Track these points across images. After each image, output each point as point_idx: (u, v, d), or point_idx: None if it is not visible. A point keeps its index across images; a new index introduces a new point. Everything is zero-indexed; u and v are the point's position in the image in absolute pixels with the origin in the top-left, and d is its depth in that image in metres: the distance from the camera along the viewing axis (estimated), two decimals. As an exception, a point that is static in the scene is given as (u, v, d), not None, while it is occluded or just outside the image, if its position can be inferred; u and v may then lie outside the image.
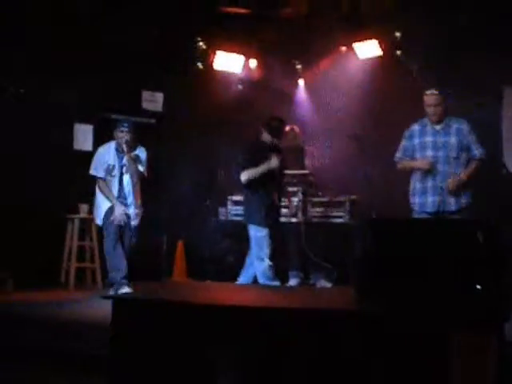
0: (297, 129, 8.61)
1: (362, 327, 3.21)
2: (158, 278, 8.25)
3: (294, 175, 7.88)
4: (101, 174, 6.84)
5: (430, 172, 5.81)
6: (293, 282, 6.80)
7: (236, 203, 8.59)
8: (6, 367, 4.50)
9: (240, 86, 9.88)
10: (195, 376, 3.56)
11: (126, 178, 6.85)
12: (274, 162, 6.47)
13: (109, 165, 6.85)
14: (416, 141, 5.97)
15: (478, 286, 3.37)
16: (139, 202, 6.96)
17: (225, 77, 9.77)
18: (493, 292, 3.37)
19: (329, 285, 7.43)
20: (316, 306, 3.79)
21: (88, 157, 8.34)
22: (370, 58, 9.11)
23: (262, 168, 6.46)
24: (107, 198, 6.78)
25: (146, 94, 9.14)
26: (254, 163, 6.52)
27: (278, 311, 3.54)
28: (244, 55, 9.72)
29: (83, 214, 8.07)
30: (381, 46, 8.92)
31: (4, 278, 7.11)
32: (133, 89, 8.90)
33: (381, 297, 3.50)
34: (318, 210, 8.28)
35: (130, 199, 6.86)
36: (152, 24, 8.54)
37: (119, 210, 6.69)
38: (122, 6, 8.24)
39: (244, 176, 6.49)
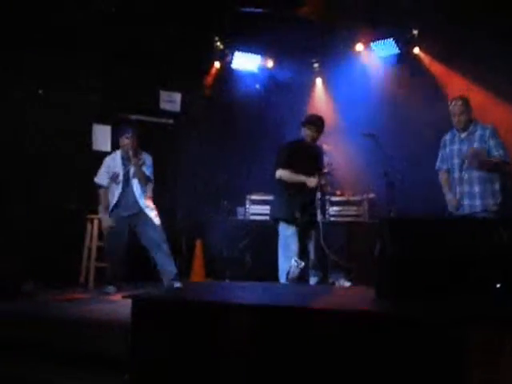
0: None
1: (380, 326, 3.20)
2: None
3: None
4: (104, 182, 7.19)
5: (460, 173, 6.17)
6: (312, 280, 6.78)
7: (254, 202, 8.61)
8: (26, 366, 4.54)
9: (257, 86, 9.89)
10: (214, 375, 3.57)
11: (135, 182, 7.11)
12: (312, 182, 6.41)
13: (114, 172, 7.15)
14: (447, 149, 6.34)
15: (498, 284, 3.36)
16: (151, 203, 7.21)
17: (242, 76, 9.78)
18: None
19: (348, 284, 7.42)
20: (335, 305, 3.79)
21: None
22: (388, 57, 9.10)
23: (298, 179, 6.41)
24: (101, 206, 7.24)
25: (163, 95, 9.16)
26: (290, 162, 6.47)
27: (297, 311, 3.54)
28: (261, 55, 9.73)
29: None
30: (398, 45, 8.90)
31: (24, 277, 7.15)
32: (150, 89, 8.93)
33: (399, 296, 3.49)
34: (336, 208, 8.28)
35: (142, 202, 7.11)
36: (170, 24, 8.56)
37: (107, 221, 7.17)
38: (139, 6, 8.28)
39: (278, 173, 6.46)
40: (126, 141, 7.09)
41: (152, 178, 7.24)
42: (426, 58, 8.88)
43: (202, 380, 3.59)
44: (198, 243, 8.68)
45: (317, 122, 6.66)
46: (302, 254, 6.43)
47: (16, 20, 7.44)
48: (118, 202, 7.15)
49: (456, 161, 6.20)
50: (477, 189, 6.04)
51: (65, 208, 7.90)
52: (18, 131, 7.56)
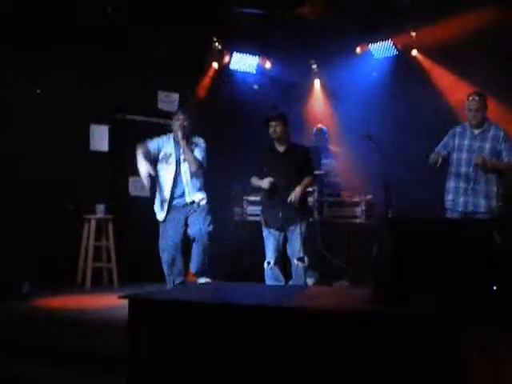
0: (322, 127, 8.69)
1: (378, 326, 3.21)
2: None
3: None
4: (145, 147, 6.46)
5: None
6: (309, 281, 6.79)
7: (251, 203, 8.59)
8: (25, 366, 4.54)
9: (255, 87, 9.89)
10: (210, 375, 3.57)
11: (185, 167, 6.49)
12: (263, 183, 6.37)
13: (165, 153, 6.52)
14: (456, 141, 6.20)
15: (495, 286, 3.36)
16: (201, 189, 6.56)
17: (240, 77, 9.78)
18: (510, 292, 3.35)
19: (345, 284, 7.42)
20: (332, 305, 3.79)
21: (104, 157, 8.43)
22: (386, 58, 9.11)
23: (256, 184, 6.51)
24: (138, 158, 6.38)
25: (161, 95, 9.16)
26: (258, 168, 6.56)
27: (295, 311, 3.54)
28: (259, 55, 9.73)
29: (99, 215, 8.11)
30: (396, 47, 8.91)
31: (21, 277, 7.14)
32: (148, 89, 8.92)
33: (396, 296, 3.49)
34: (334, 209, 8.27)
35: (189, 188, 6.46)
36: (167, 24, 8.56)
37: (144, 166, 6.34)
38: (137, 7, 8.28)
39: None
40: (176, 123, 6.47)
41: (204, 163, 6.57)
42: (424, 60, 8.89)
43: (198, 380, 3.59)
44: (195, 244, 8.66)
45: (275, 118, 6.46)
46: (278, 254, 6.49)
47: (14, 19, 7.44)
48: (172, 190, 6.45)
49: (464, 155, 6.11)
50: (483, 187, 6.03)
51: (62, 208, 7.89)
52: (14, 130, 7.55)
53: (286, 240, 6.50)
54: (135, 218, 8.51)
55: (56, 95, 7.95)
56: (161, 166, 6.52)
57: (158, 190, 6.57)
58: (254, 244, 8.03)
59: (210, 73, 9.70)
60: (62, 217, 7.85)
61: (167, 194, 6.46)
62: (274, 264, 6.42)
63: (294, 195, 6.29)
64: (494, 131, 6.09)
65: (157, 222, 6.59)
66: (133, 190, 8.86)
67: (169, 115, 9.11)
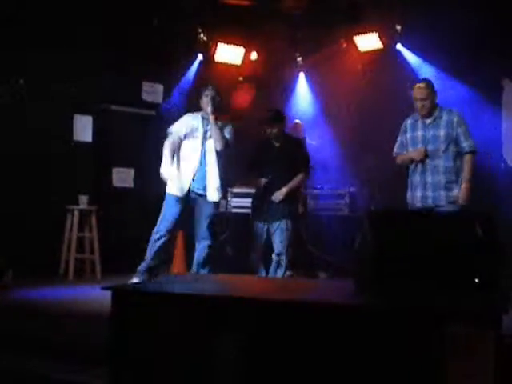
0: (300, 123, 8.71)
1: (360, 321, 3.22)
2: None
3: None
4: (181, 130, 6.31)
5: (422, 162, 5.73)
6: (288, 274, 6.82)
7: (236, 195, 8.60)
8: (7, 358, 4.52)
9: (240, 78, 9.88)
10: (196, 368, 3.56)
11: (210, 143, 6.25)
12: (259, 183, 6.67)
13: (192, 127, 6.29)
14: (408, 135, 5.92)
15: (477, 280, 3.38)
16: (219, 173, 6.32)
17: (225, 69, 9.76)
18: (491, 285, 3.37)
19: (328, 277, 7.46)
20: (313, 298, 3.79)
21: (88, 148, 8.40)
22: (371, 51, 9.12)
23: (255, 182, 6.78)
24: (164, 156, 6.18)
25: (146, 86, 9.13)
26: (258, 161, 6.77)
27: (278, 304, 3.54)
28: (245, 47, 9.71)
29: (83, 206, 8.07)
30: (381, 39, 8.92)
31: (3, 268, 7.11)
32: (133, 80, 8.89)
33: (379, 289, 3.50)
34: (317, 202, 8.30)
35: (210, 168, 6.26)
36: (153, 15, 8.53)
37: (167, 173, 6.12)
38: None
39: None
40: (205, 98, 6.24)
41: (231, 144, 6.31)
42: (408, 54, 8.91)
43: (184, 373, 3.59)
44: (180, 234, 8.64)
45: (275, 118, 6.65)
46: (261, 246, 6.68)
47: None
48: (195, 167, 6.23)
49: (419, 147, 5.79)
50: (442, 179, 5.65)
51: (45, 199, 7.85)
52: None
53: (269, 234, 6.57)
54: (119, 209, 8.50)
55: (39, 85, 7.89)
56: (186, 142, 6.30)
57: (178, 167, 6.28)
58: (238, 235, 8.07)
59: (195, 64, 9.67)
60: (44, 207, 7.80)
61: (190, 171, 6.21)
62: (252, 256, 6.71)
63: (279, 194, 6.53)
64: (447, 116, 5.72)
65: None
66: (117, 181, 8.85)
67: (153, 106, 9.16)
